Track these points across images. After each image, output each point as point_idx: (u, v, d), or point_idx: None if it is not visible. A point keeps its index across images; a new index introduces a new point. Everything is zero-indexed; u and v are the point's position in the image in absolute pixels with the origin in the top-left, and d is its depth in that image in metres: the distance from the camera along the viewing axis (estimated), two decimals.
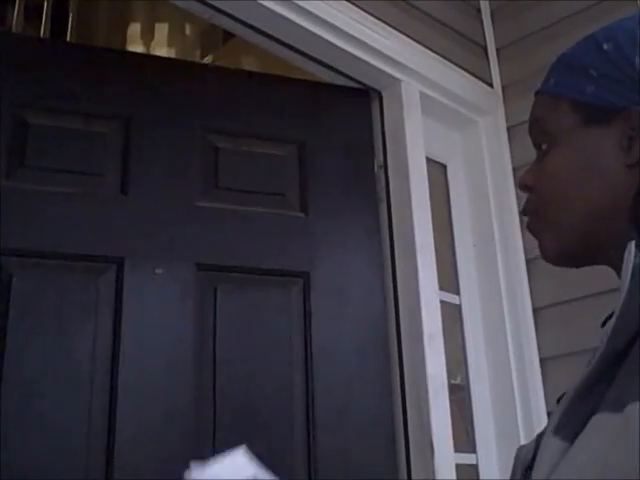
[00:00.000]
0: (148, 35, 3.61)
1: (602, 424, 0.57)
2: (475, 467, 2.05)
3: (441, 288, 2.02)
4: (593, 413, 0.59)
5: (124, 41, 3.60)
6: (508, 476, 0.74)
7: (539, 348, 2.14)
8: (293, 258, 1.87)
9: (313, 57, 2.03)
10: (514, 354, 2.11)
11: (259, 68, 2.81)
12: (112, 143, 1.75)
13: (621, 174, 0.70)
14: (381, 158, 2.08)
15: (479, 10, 2.51)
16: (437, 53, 2.23)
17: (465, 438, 2.07)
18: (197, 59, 3.45)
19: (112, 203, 1.71)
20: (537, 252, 0.78)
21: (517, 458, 0.73)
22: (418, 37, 2.17)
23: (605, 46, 0.72)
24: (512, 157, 2.32)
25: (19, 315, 1.53)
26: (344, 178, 2.00)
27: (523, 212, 0.80)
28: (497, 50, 2.47)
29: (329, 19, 1.91)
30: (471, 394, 2.10)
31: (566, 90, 0.74)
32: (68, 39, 3.19)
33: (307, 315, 1.82)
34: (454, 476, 1.84)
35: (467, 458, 2.03)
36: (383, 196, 2.05)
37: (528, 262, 2.20)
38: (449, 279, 2.17)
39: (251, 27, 1.90)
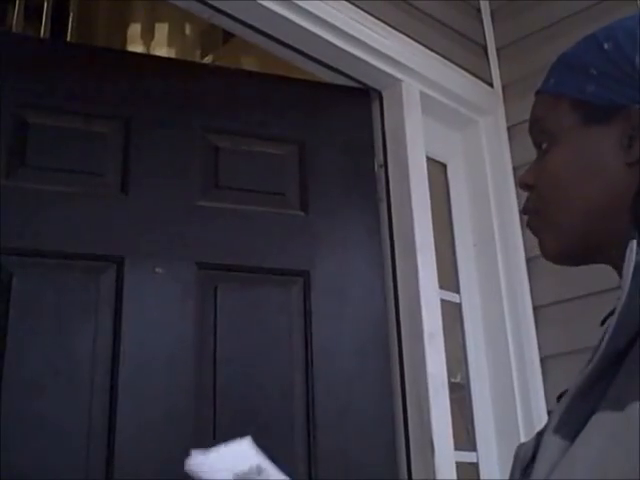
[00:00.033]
0: (148, 35, 3.61)
1: (602, 423, 0.57)
2: (475, 465, 2.05)
3: (441, 287, 2.02)
4: (594, 412, 0.59)
5: (124, 41, 3.60)
6: (508, 474, 0.74)
7: (539, 346, 2.14)
8: (293, 257, 1.87)
9: (313, 57, 2.02)
10: (514, 352, 2.11)
11: (259, 68, 2.80)
12: (112, 143, 1.75)
13: (621, 173, 0.70)
14: (381, 158, 2.08)
15: (479, 10, 2.51)
16: (437, 53, 2.22)
17: (465, 436, 2.07)
18: (197, 59, 3.44)
19: (112, 202, 1.71)
20: (537, 251, 0.78)
21: (516, 456, 0.73)
22: (418, 37, 2.17)
23: (605, 45, 0.72)
24: (512, 157, 2.32)
25: (19, 315, 1.53)
26: (344, 177, 2.00)
27: (523, 211, 0.80)
28: (497, 50, 2.47)
29: (329, 19, 1.91)
30: (471, 393, 2.10)
31: (566, 89, 0.75)
32: (68, 39, 3.20)
33: (307, 314, 1.82)
34: (454, 474, 1.84)
35: (467, 456, 2.03)
36: (383, 195, 2.05)
37: (528, 261, 2.20)
38: (449, 278, 2.17)
39: (251, 27, 1.90)
